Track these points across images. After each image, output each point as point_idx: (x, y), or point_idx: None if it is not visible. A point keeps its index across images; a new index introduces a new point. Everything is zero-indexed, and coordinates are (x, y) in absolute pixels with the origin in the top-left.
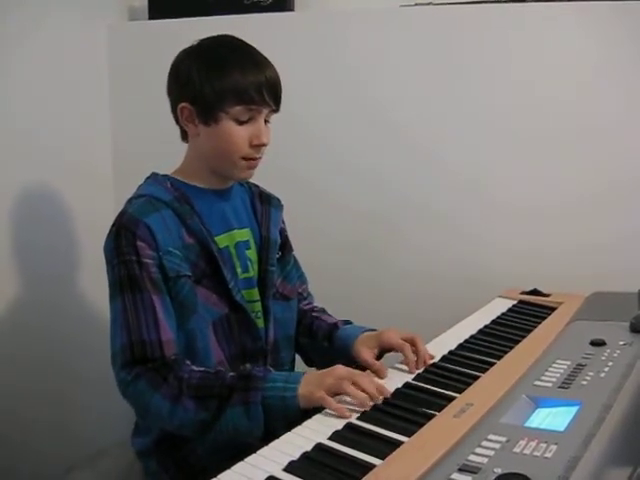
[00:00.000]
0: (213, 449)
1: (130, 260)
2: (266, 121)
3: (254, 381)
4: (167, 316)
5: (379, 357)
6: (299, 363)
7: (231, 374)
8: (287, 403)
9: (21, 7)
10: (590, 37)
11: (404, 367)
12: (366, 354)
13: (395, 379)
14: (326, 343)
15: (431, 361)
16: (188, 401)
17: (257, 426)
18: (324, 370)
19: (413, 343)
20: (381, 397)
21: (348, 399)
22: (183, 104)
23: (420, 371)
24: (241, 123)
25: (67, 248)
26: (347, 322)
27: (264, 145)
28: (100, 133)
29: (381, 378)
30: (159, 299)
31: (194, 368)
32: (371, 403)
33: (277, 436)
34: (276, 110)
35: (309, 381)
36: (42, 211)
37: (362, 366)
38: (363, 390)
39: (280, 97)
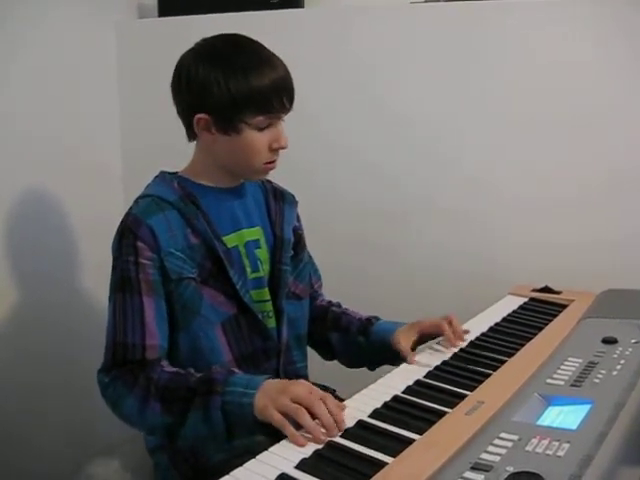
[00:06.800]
0: (225, 446)
1: (128, 261)
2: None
3: (214, 385)
4: (158, 320)
5: (413, 349)
6: (312, 359)
7: (197, 376)
8: (244, 411)
9: (27, 4)
10: (595, 33)
11: (414, 363)
12: (404, 342)
13: (407, 376)
14: (362, 337)
15: (466, 336)
16: (155, 403)
17: (219, 432)
18: (283, 383)
19: (449, 321)
20: (337, 432)
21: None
22: (200, 115)
23: (431, 369)
24: (261, 129)
25: (76, 247)
26: (376, 318)
27: (283, 149)
28: (109, 133)
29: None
30: (151, 302)
31: (166, 369)
32: (325, 439)
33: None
34: (290, 109)
35: (266, 392)
36: (51, 211)
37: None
38: (320, 419)
39: (294, 96)
